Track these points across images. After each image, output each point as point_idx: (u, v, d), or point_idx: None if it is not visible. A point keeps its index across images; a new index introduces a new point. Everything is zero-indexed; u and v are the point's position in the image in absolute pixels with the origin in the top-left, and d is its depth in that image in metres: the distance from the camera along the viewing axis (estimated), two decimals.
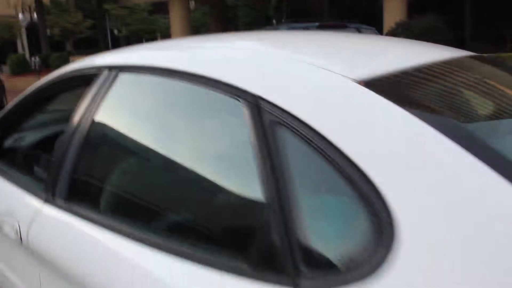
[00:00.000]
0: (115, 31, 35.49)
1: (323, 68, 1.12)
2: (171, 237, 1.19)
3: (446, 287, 0.77)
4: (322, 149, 0.95)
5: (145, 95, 1.49)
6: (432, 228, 0.81)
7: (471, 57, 1.65)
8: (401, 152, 0.91)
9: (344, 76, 1.07)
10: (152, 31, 31.21)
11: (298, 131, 0.99)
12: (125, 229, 1.27)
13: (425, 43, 1.89)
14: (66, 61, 18.37)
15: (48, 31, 34.69)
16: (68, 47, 34.36)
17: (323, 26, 6.06)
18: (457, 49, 1.97)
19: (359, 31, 5.99)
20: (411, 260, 0.80)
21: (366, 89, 1.02)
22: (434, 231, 0.80)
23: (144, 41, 36.64)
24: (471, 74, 1.52)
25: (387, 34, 12.62)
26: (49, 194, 1.58)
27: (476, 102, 1.31)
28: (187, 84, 1.27)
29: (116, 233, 1.27)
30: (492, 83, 1.55)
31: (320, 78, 1.10)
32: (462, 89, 1.36)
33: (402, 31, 12.08)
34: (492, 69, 1.66)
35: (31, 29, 28.19)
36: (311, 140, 0.97)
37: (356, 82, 1.04)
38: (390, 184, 0.87)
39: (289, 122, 1.00)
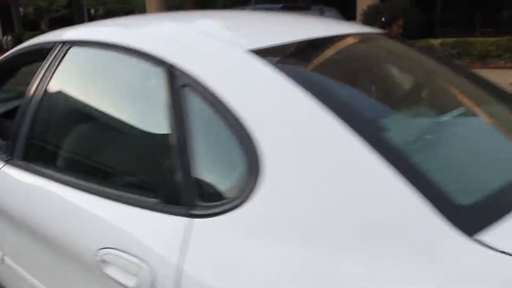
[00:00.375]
0: (92, 10, 34.87)
1: (228, 41, 1.39)
2: (104, 183, 1.42)
3: (293, 214, 1.00)
4: (215, 105, 1.18)
5: (89, 66, 1.72)
6: (290, 171, 1.04)
7: (376, 34, 1.90)
8: (275, 111, 1.13)
9: (241, 46, 1.31)
10: (129, 10, 30.73)
11: (199, 91, 1.22)
12: (72, 181, 1.50)
13: (335, 21, 2.23)
14: None
15: (21, 9, 33.98)
16: (43, 26, 33.68)
17: (286, 8, 6.20)
18: (366, 26, 2.20)
19: (322, 12, 6.15)
20: (271, 192, 1.04)
21: (253, 56, 1.25)
22: (291, 174, 1.04)
23: None
24: (362, 49, 1.73)
25: (360, 17, 12.78)
26: (9, 156, 1.81)
27: (353, 72, 1.54)
28: (120, 55, 1.50)
29: (66, 185, 1.51)
30: (381, 58, 1.75)
31: (222, 48, 1.33)
32: (347, 61, 1.60)
33: (373, 14, 12.26)
34: (391, 47, 1.86)
35: (3, 8, 27.43)
36: (208, 98, 1.20)
37: (249, 51, 1.27)
38: (264, 135, 1.09)
39: (192, 84, 1.24)
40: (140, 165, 1.41)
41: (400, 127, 1.26)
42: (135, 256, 1.18)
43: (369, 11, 12.45)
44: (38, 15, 32.39)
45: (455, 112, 1.46)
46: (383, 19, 5.30)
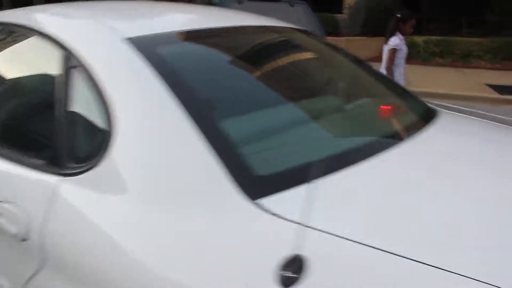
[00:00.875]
0: None
1: (111, 29, 1.57)
2: (6, 147, 1.59)
3: (133, 176, 1.23)
4: (92, 85, 1.38)
5: (7, 44, 1.91)
6: (134, 142, 1.27)
7: (268, 27, 2.09)
8: (133, 93, 1.34)
9: (120, 34, 1.50)
10: None
11: (82, 72, 1.42)
12: None
13: (245, 14, 2.37)
14: None
15: None
16: (4, 4, 33.30)
17: None
18: (282, 22, 2.29)
19: (291, 5, 6.14)
20: (117, 155, 1.26)
21: (127, 44, 1.44)
22: (134, 145, 1.26)
23: None
24: (247, 40, 1.90)
25: (345, 11, 12.76)
26: None
27: (224, 62, 1.76)
28: (28, 35, 1.72)
29: None
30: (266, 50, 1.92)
31: (104, 36, 1.53)
32: (222, 51, 1.79)
33: (359, 10, 12.25)
34: (289, 40, 2.07)
35: None
36: (88, 79, 1.40)
37: (125, 39, 1.47)
38: (120, 111, 1.30)
39: (78, 66, 1.44)
40: (25, 129, 1.64)
41: (236, 116, 1.47)
42: (17, 206, 1.37)
43: (355, 7, 12.47)
44: None
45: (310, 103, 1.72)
46: (398, 15, 5.28)
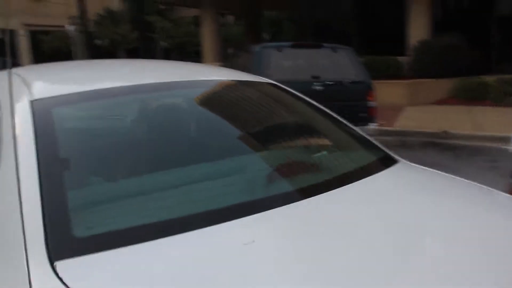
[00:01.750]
0: (162, 43, 36.67)
1: (29, 90, 1.68)
2: None
3: None
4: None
5: None
6: None
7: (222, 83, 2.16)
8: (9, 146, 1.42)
9: (32, 96, 1.62)
10: (196, 43, 31.97)
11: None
12: None
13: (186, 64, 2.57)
14: None
15: (99, 41, 36.51)
16: (122, 57, 35.84)
17: (297, 46, 6.08)
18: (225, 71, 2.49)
19: (334, 51, 5.97)
20: None
21: (28, 106, 1.55)
22: None
23: (186, 53, 37.58)
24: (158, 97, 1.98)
25: (409, 52, 12.32)
26: None
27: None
28: None
29: None
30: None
31: (16, 97, 1.59)
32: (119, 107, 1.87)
33: (423, 50, 11.76)
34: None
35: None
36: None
37: (31, 101, 1.59)
38: None
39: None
40: None
41: (86, 177, 1.53)
42: None
43: (419, 46, 11.98)
44: (113, 47, 34.67)
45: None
46: None
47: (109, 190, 1.48)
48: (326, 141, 2.16)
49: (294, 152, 1.93)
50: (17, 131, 1.45)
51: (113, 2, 36.99)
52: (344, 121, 2.18)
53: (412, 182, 1.80)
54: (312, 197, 1.46)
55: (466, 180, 1.85)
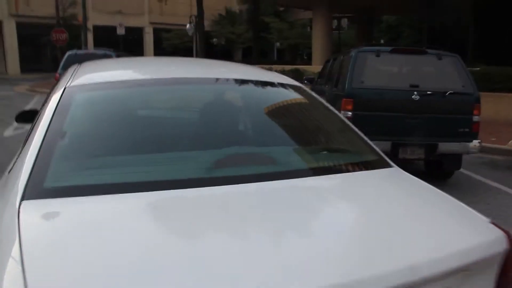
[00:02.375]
0: (278, 44, 37.18)
1: (73, 80, 2.13)
2: None
3: None
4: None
5: None
6: None
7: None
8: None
9: (69, 83, 2.07)
10: (308, 45, 31.94)
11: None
12: None
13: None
14: None
15: (215, 40, 38.03)
16: (237, 56, 37.08)
17: (398, 51, 5.67)
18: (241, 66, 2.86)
19: (439, 58, 5.46)
20: None
21: (62, 90, 2.00)
22: None
23: (298, 54, 37.55)
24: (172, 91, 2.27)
25: None
26: None
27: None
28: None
29: None
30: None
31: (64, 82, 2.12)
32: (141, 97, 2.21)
33: None
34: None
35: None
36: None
37: (66, 86, 2.03)
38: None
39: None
40: None
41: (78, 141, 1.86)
42: None
43: None
44: (228, 46, 35.93)
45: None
46: None
47: (91, 159, 1.78)
48: (323, 140, 2.33)
49: (277, 146, 2.08)
50: (47, 108, 1.89)
51: (234, 2, 38.26)
52: (351, 125, 2.29)
53: (377, 185, 1.83)
54: (247, 184, 1.59)
55: (452, 198, 1.81)
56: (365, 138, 2.19)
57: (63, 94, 1.93)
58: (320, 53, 16.86)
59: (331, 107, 2.35)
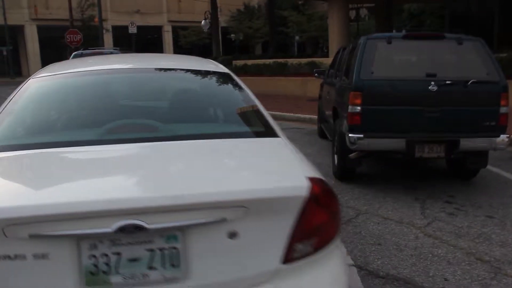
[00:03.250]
0: (297, 37, 36.53)
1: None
2: None
3: None
4: None
5: None
6: None
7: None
8: None
9: (35, 75, 2.80)
10: (327, 37, 31.17)
11: None
12: None
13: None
14: (229, 64, 19.26)
15: (233, 36, 37.68)
16: (257, 50, 36.65)
17: (412, 37, 5.04)
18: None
19: (459, 43, 4.81)
20: None
21: (27, 81, 2.68)
22: None
23: (318, 47, 36.78)
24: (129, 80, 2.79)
25: None
26: None
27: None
28: None
29: None
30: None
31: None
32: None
33: None
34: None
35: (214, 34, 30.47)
36: None
37: (31, 78, 2.73)
38: None
39: None
40: None
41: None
42: None
43: None
44: (245, 41, 35.53)
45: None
46: None
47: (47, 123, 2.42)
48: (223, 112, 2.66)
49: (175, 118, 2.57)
50: (14, 95, 2.50)
51: None
52: (257, 105, 2.54)
53: (239, 144, 2.17)
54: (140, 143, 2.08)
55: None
56: (266, 116, 2.43)
57: (25, 84, 2.60)
58: (337, 45, 16.10)
59: (246, 91, 2.69)
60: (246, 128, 2.47)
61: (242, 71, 18.26)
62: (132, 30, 28.12)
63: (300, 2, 33.67)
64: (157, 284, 1.52)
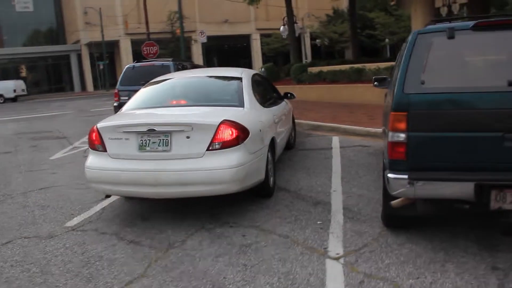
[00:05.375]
0: (387, 40, 34.23)
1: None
2: None
3: None
4: None
5: None
6: None
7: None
8: None
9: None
10: None
11: None
12: None
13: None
14: (304, 71, 17.98)
15: (318, 41, 36.25)
16: (348, 54, 35.03)
17: (486, 26, 3.35)
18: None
19: None
20: None
21: None
22: None
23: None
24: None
25: None
26: None
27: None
28: None
29: None
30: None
31: None
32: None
33: None
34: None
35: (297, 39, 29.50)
36: None
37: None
38: None
39: None
40: None
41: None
42: None
43: None
44: (330, 46, 34.00)
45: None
46: None
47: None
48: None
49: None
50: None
51: (343, 2, 36.32)
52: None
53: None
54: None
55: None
56: (244, 97, 5.45)
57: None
58: None
59: (243, 86, 5.65)
60: (226, 103, 5.35)
61: (318, 78, 16.87)
62: (202, 39, 28.24)
63: (391, 3, 31.47)
64: (161, 152, 4.40)
